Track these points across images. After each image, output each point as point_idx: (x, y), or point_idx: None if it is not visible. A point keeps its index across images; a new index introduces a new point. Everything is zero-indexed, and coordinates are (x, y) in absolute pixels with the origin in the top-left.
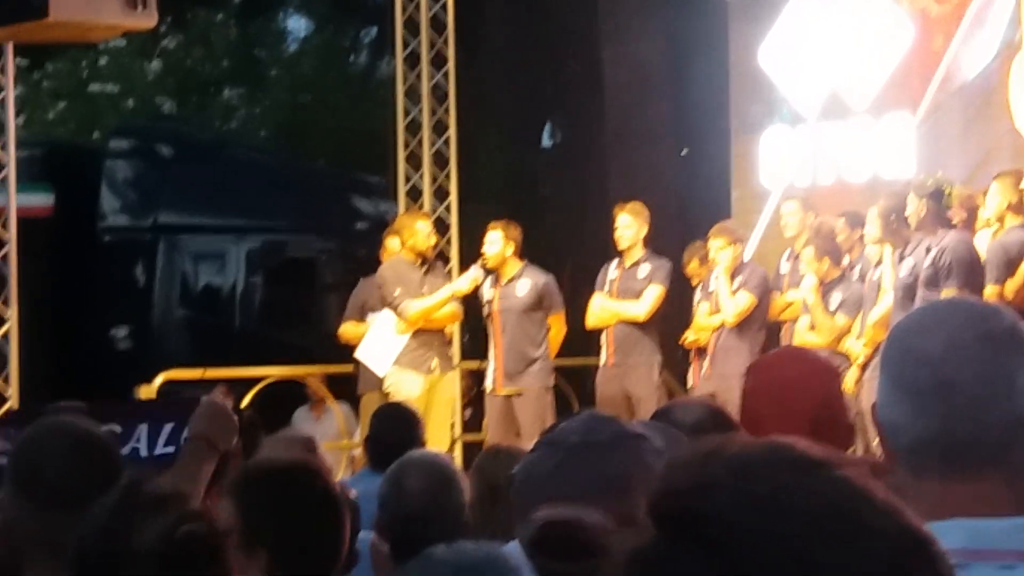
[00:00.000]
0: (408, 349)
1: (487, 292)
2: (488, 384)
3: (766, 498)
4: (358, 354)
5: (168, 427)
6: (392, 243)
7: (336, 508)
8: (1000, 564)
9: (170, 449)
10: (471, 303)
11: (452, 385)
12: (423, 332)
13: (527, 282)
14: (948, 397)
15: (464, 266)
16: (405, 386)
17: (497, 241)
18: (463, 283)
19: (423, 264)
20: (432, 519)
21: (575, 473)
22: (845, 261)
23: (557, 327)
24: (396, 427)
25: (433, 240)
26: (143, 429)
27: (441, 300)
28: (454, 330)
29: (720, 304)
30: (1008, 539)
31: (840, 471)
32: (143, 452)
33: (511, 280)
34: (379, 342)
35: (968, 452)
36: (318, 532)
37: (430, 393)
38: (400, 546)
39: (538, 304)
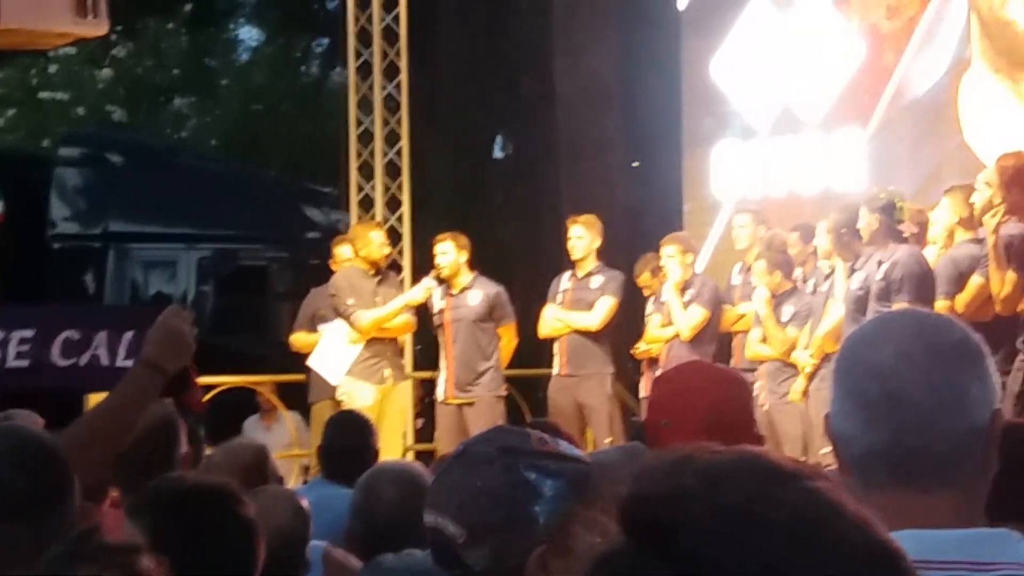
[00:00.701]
0: (360, 359)
1: (438, 302)
2: (439, 394)
3: (736, 507)
4: (311, 362)
5: (128, 335)
6: (342, 252)
7: (251, 535)
8: (948, 574)
9: (129, 363)
10: (423, 313)
11: (404, 395)
12: (376, 342)
13: (478, 292)
14: (897, 409)
15: (417, 276)
16: (358, 396)
17: (450, 251)
18: (417, 293)
19: (376, 274)
20: (405, 529)
21: (444, 482)
22: (797, 274)
23: (508, 337)
24: (350, 436)
25: (386, 250)
26: (102, 336)
27: (394, 310)
28: (406, 340)
29: (673, 319)
30: (957, 550)
31: (812, 482)
32: (104, 360)
33: (462, 290)
34: (332, 351)
35: (917, 463)
36: (230, 559)
37: (383, 403)
38: (373, 556)
39: (489, 314)
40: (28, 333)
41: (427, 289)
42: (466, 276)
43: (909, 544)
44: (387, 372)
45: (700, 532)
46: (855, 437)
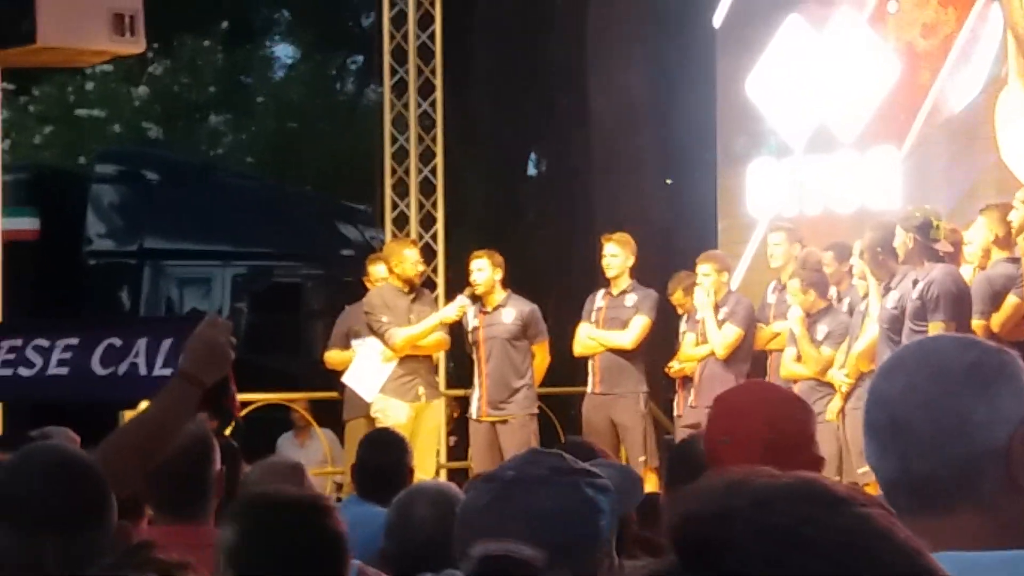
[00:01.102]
0: (394, 376)
1: (472, 320)
2: (473, 411)
3: (784, 530)
4: (345, 380)
5: (167, 343)
6: (376, 269)
7: (339, 548)
8: None
9: (167, 372)
10: (457, 331)
11: (438, 412)
12: (409, 359)
13: (512, 311)
14: (903, 436)
15: (451, 294)
16: (392, 413)
17: (485, 268)
18: (451, 311)
19: (411, 291)
20: (440, 549)
21: (507, 508)
22: (832, 293)
23: (541, 355)
24: (384, 454)
25: (420, 268)
26: (142, 344)
27: (428, 328)
28: (440, 358)
29: (708, 337)
30: (998, 571)
31: (862, 509)
32: (142, 370)
33: (496, 308)
34: (366, 369)
35: (929, 489)
36: (318, 571)
37: (416, 420)
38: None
39: (523, 332)
40: (73, 341)
41: (461, 307)
42: (500, 294)
43: (949, 566)
44: (421, 390)
45: (747, 553)
46: (876, 468)
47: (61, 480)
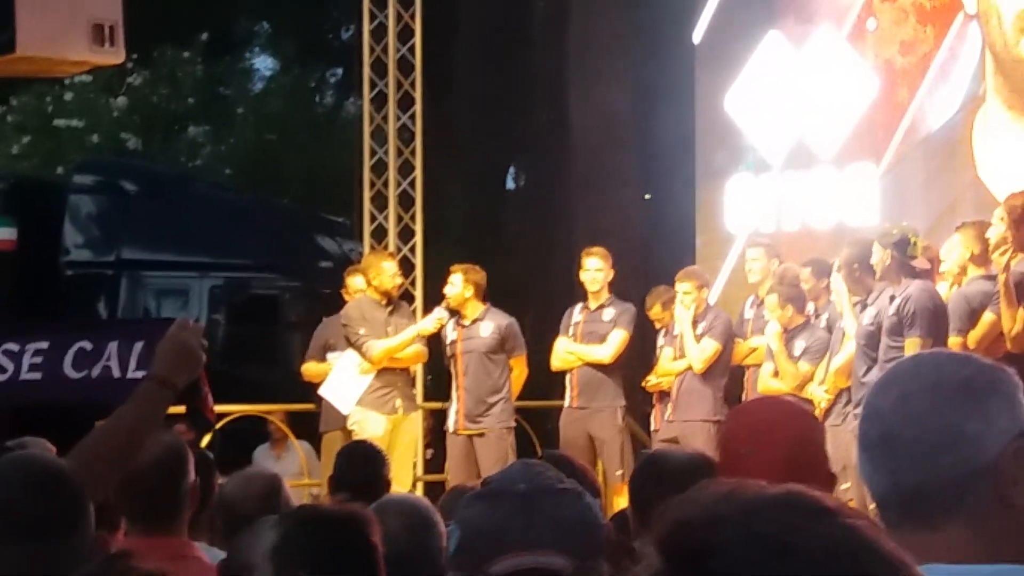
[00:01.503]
0: (371, 389)
1: (450, 333)
2: (450, 424)
3: (771, 537)
4: (322, 392)
5: (139, 346)
6: (354, 282)
7: (375, 559)
8: None
9: (140, 374)
10: (435, 344)
11: (415, 425)
12: (387, 372)
13: (490, 324)
14: (893, 450)
15: (428, 307)
16: (369, 426)
17: (457, 283)
18: (428, 323)
19: (388, 304)
20: (412, 561)
21: (530, 521)
22: (810, 308)
23: (519, 369)
24: (362, 466)
25: (398, 280)
26: (113, 347)
27: (405, 340)
28: (417, 370)
29: (686, 352)
30: None
31: (848, 520)
32: (115, 372)
33: (474, 322)
34: (343, 381)
35: (919, 503)
36: None
37: (393, 433)
38: None
39: (500, 346)
40: (43, 345)
41: (438, 319)
42: (477, 308)
43: None
44: (398, 402)
45: (734, 558)
46: (868, 481)
47: (36, 488)
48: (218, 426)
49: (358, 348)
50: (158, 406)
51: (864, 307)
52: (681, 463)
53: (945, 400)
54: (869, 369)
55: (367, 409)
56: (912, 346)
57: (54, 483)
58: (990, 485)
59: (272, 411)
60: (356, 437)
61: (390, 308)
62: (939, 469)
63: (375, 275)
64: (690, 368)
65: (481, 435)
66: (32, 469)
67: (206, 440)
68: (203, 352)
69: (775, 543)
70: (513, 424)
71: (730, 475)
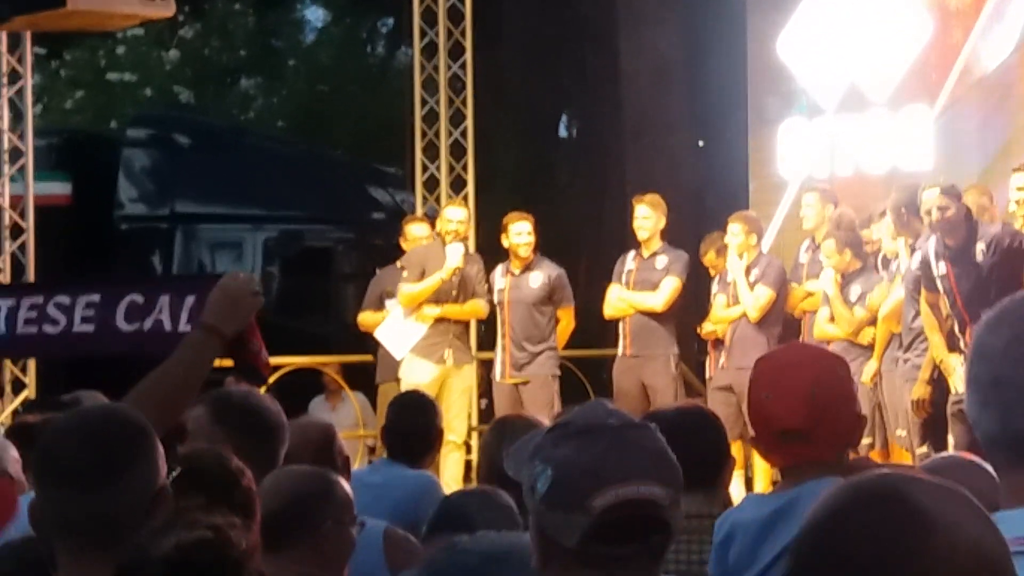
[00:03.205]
0: (425, 338)
1: (499, 281)
2: (496, 373)
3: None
4: (378, 334)
5: (190, 300)
6: (412, 230)
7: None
8: None
9: (191, 328)
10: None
11: (468, 377)
12: (441, 322)
13: (540, 275)
14: (1004, 391)
15: (482, 255)
16: (416, 373)
17: (531, 233)
18: (453, 262)
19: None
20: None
21: (626, 453)
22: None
23: (567, 320)
24: (414, 416)
25: (453, 227)
26: (165, 300)
27: (431, 285)
28: (472, 322)
29: (740, 299)
30: None
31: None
32: (167, 326)
33: (524, 271)
34: (399, 327)
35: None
36: None
37: (443, 384)
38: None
39: (549, 297)
40: (95, 298)
41: (461, 256)
42: (530, 256)
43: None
44: (447, 352)
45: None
46: (976, 422)
47: (81, 434)
48: (273, 378)
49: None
50: (206, 354)
51: (913, 251)
52: (670, 418)
53: None
54: (918, 314)
55: (417, 356)
56: None
57: (109, 431)
58: None
59: (327, 363)
60: (403, 383)
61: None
62: None
63: (440, 220)
64: (744, 315)
65: (526, 383)
66: (87, 417)
67: (263, 390)
68: (257, 300)
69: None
70: (558, 372)
71: (757, 421)
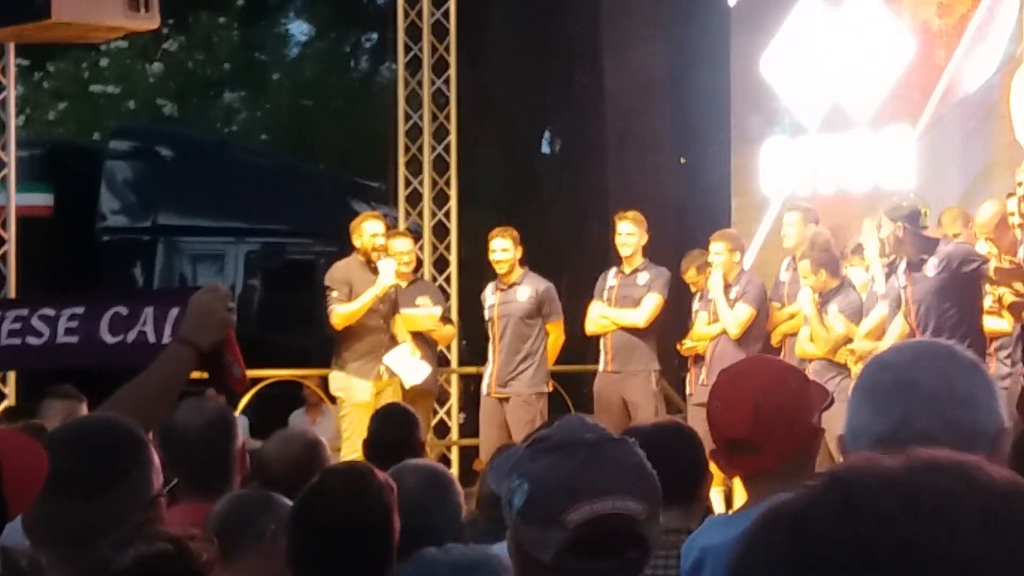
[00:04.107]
0: (356, 356)
1: (489, 297)
2: (484, 387)
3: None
4: (387, 361)
5: (174, 312)
6: (394, 244)
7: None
8: None
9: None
10: (471, 309)
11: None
12: (369, 338)
13: (527, 289)
14: (908, 395)
15: (463, 271)
16: (354, 393)
17: (510, 248)
18: (387, 279)
19: (372, 265)
20: (425, 523)
21: (602, 468)
22: (845, 271)
23: (556, 334)
24: (394, 428)
25: (380, 241)
26: (149, 313)
27: (366, 303)
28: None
29: (720, 317)
30: None
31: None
32: (151, 338)
33: (512, 285)
34: (406, 361)
35: (927, 446)
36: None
37: (379, 398)
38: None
39: (537, 311)
40: (79, 310)
41: (393, 271)
42: (517, 272)
43: None
44: (382, 368)
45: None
46: (863, 430)
47: (73, 446)
48: (254, 391)
49: (328, 312)
50: (181, 367)
51: (890, 271)
52: (648, 433)
53: (963, 366)
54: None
55: (350, 376)
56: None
57: (92, 442)
58: (987, 452)
59: (307, 376)
60: (342, 404)
61: (409, 282)
62: (953, 421)
63: (357, 236)
64: (725, 332)
65: (508, 399)
66: (82, 426)
67: (241, 406)
68: (230, 316)
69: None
70: (545, 389)
71: (711, 431)
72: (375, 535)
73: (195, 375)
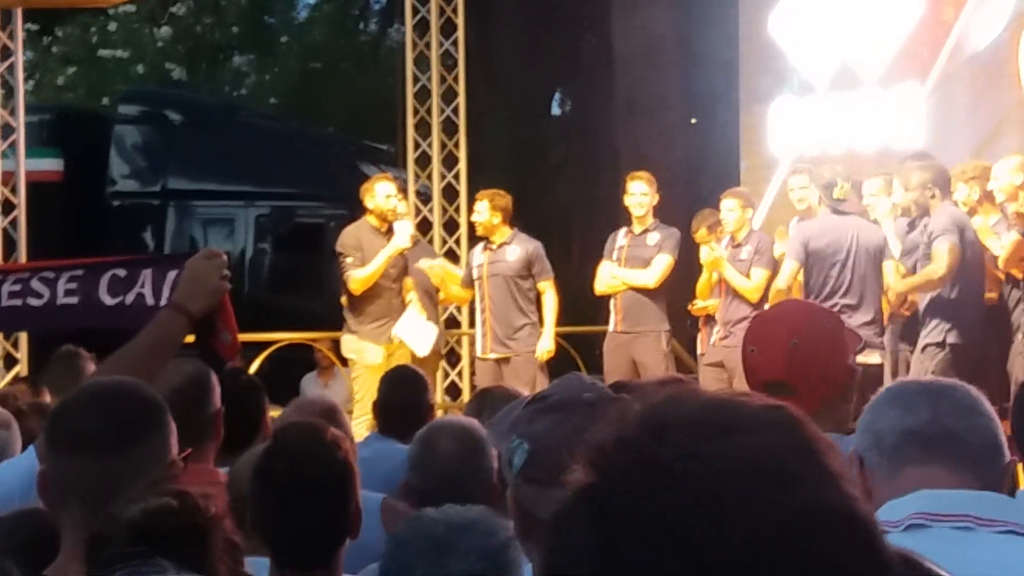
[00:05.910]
0: (368, 319)
1: (478, 257)
2: (478, 349)
3: (661, 464)
4: (397, 331)
5: (172, 274)
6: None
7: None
8: (955, 525)
9: None
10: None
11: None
12: (381, 302)
13: (517, 249)
14: (938, 397)
15: (472, 233)
16: (367, 356)
17: (483, 211)
18: (402, 240)
19: (388, 229)
20: (463, 482)
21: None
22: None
23: (550, 293)
24: (404, 391)
25: (393, 203)
26: (147, 275)
27: (381, 264)
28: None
29: (737, 289)
30: (965, 506)
31: (763, 436)
32: (149, 300)
33: (501, 246)
34: (416, 326)
35: (951, 443)
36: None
37: (390, 360)
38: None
39: (527, 270)
40: (78, 272)
41: (411, 235)
42: (505, 233)
43: (922, 500)
44: (393, 332)
45: (618, 488)
46: (890, 429)
47: (93, 404)
48: (265, 354)
49: (344, 278)
50: (172, 332)
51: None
52: (648, 390)
53: (979, 396)
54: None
55: (362, 340)
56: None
57: (116, 400)
58: (1002, 473)
59: (318, 339)
60: (354, 366)
61: (388, 234)
62: (978, 425)
63: (369, 197)
64: (739, 294)
65: (507, 360)
66: (98, 386)
67: (253, 368)
68: (224, 283)
69: (661, 471)
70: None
71: (745, 376)
72: (333, 486)
73: (189, 339)
